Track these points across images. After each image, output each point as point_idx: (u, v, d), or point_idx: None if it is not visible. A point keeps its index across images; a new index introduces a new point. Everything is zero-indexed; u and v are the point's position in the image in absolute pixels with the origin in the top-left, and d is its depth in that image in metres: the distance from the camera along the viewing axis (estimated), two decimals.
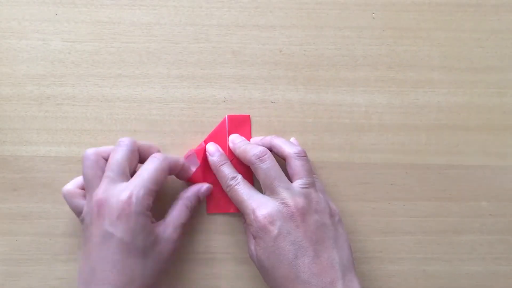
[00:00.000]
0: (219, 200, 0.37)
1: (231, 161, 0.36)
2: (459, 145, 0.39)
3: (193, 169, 0.36)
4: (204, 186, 0.36)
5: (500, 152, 0.39)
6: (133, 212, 0.31)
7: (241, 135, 0.37)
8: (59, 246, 0.37)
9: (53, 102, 0.38)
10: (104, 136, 0.38)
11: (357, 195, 0.38)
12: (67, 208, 0.37)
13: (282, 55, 0.39)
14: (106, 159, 0.33)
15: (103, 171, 0.33)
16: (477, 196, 0.39)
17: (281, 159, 0.36)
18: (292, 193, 0.32)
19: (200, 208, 0.38)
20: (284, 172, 0.34)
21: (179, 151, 0.38)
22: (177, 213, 0.34)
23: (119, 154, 0.33)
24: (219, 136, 0.37)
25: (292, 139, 0.38)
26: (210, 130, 0.38)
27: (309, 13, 0.39)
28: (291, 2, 0.39)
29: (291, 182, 0.34)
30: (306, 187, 0.33)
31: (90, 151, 0.33)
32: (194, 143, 0.38)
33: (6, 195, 0.37)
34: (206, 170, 0.37)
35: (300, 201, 0.32)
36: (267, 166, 0.33)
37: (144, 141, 0.35)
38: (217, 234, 0.38)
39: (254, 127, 0.38)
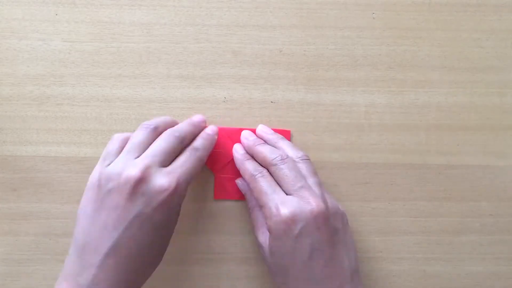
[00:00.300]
0: (227, 187, 0.37)
1: None
2: (459, 145, 0.39)
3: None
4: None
5: (500, 152, 0.39)
6: (175, 203, 0.31)
7: None
8: (59, 246, 0.37)
9: (53, 102, 0.38)
10: (104, 136, 0.38)
11: (357, 195, 0.38)
12: (67, 208, 0.37)
13: (282, 55, 0.39)
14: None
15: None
16: (477, 196, 0.39)
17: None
18: (313, 194, 0.32)
19: (200, 209, 0.38)
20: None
21: None
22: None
23: (162, 141, 0.32)
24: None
25: (261, 126, 0.38)
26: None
27: (309, 13, 0.39)
28: (291, 2, 0.39)
29: None
30: (318, 187, 0.33)
31: (118, 135, 0.34)
32: None
33: (6, 195, 0.37)
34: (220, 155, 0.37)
35: (321, 204, 0.32)
36: (288, 168, 0.33)
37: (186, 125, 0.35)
38: (217, 234, 0.38)
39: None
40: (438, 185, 0.39)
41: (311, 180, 0.34)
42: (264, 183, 0.33)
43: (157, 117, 0.35)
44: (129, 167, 0.30)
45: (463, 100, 0.39)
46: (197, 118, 0.36)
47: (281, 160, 0.34)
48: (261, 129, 0.37)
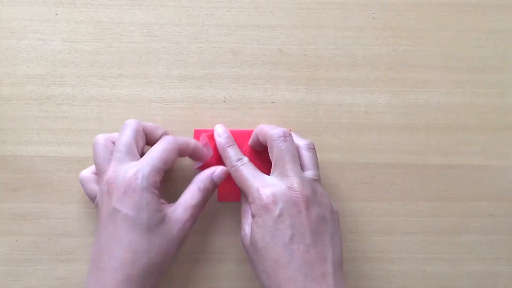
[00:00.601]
0: (231, 189, 0.37)
1: (245, 149, 0.36)
2: (459, 145, 0.39)
3: (209, 154, 0.36)
4: (218, 169, 0.35)
5: (500, 152, 0.39)
6: (139, 187, 0.31)
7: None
8: (59, 246, 0.37)
9: (53, 102, 0.38)
10: None
11: (357, 195, 0.38)
12: (67, 208, 0.37)
13: (282, 55, 0.39)
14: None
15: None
16: (477, 196, 0.39)
17: None
18: (301, 180, 0.32)
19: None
20: None
21: None
22: (189, 195, 0.34)
23: (125, 135, 0.33)
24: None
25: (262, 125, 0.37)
26: (210, 130, 0.38)
27: (309, 13, 0.39)
28: (291, 2, 0.39)
29: None
30: (314, 179, 0.33)
31: (100, 137, 0.34)
32: None
33: (6, 195, 0.37)
34: (220, 157, 0.36)
35: (307, 190, 0.32)
36: (286, 147, 0.33)
37: (150, 123, 0.35)
38: (217, 234, 0.38)
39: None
40: (438, 185, 0.39)
41: (308, 172, 0.33)
42: (245, 170, 0.33)
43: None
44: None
45: (463, 100, 0.39)
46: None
47: (282, 136, 0.33)
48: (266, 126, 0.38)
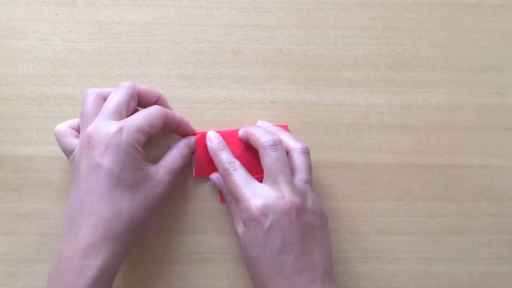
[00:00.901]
0: (207, 166, 0.37)
1: (240, 151, 0.36)
2: (459, 145, 0.39)
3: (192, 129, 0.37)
4: (193, 138, 0.37)
5: (500, 152, 0.39)
6: (123, 144, 0.31)
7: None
8: (59, 246, 0.37)
9: (53, 102, 0.38)
10: None
11: (357, 195, 0.38)
12: None
13: (282, 55, 0.39)
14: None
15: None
16: (477, 196, 0.39)
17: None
18: (292, 189, 0.32)
19: (201, 209, 0.38)
20: None
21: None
22: (170, 158, 0.35)
23: (118, 95, 0.33)
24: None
25: (260, 122, 0.38)
26: (210, 130, 0.38)
27: (309, 13, 0.39)
28: (291, 2, 0.39)
29: None
30: (304, 184, 0.33)
31: (91, 90, 0.34)
32: None
33: (6, 195, 0.37)
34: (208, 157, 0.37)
35: (298, 199, 0.32)
36: (277, 156, 0.33)
37: (145, 86, 0.35)
38: (217, 234, 0.38)
39: None
40: (438, 185, 0.39)
41: (299, 176, 0.33)
42: (237, 176, 0.33)
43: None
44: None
45: (463, 100, 0.39)
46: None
47: (273, 145, 0.33)
48: (261, 124, 0.38)
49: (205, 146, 0.36)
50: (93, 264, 0.29)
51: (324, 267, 0.32)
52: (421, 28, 0.39)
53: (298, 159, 0.34)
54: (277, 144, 0.33)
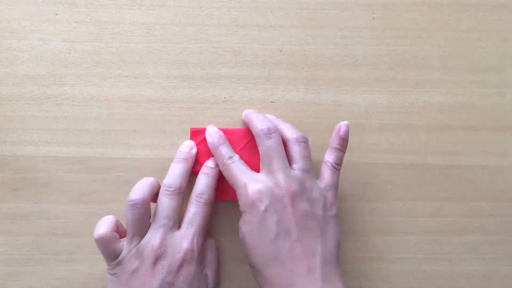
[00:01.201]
0: (227, 187, 0.36)
1: (239, 149, 0.36)
2: (459, 145, 0.39)
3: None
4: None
5: (500, 152, 0.39)
6: (195, 263, 0.32)
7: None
8: (59, 246, 0.37)
9: (53, 102, 0.38)
10: (104, 136, 0.38)
11: (357, 195, 0.38)
12: (67, 208, 0.37)
13: (282, 55, 0.39)
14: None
15: (149, 216, 0.34)
16: (477, 196, 0.39)
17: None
18: (287, 176, 0.32)
19: None
20: None
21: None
22: (213, 260, 0.36)
23: (173, 201, 0.34)
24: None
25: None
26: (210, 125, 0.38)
27: (309, 13, 0.39)
28: (291, 2, 0.39)
29: None
30: (302, 173, 0.33)
31: (139, 197, 0.33)
32: None
33: (6, 195, 0.37)
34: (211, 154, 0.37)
35: (293, 185, 0.32)
36: (271, 144, 0.33)
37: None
38: (217, 234, 0.38)
39: None
40: (438, 185, 0.39)
41: (296, 166, 0.33)
42: (234, 168, 0.34)
43: (136, 186, 0.34)
44: (147, 242, 0.33)
45: (463, 100, 0.39)
46: (184, 148, 0.36)
47: (267, 133, 0.33)
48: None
49: (202, 141, 0.37)
50: None
51: (325, 257, 0.31)
52: (421, 28, 0.39)
53: (294, 149, 0.34)
54: (271, 132, 0.34)
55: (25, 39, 0.38)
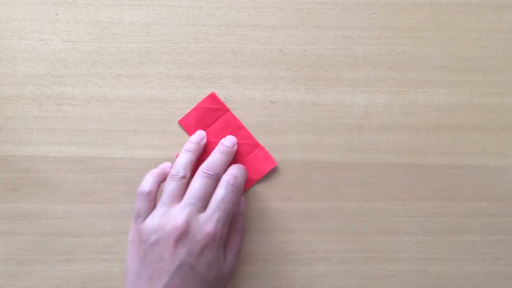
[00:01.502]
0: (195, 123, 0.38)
1: (245, 160, 0.37)
2: (459, 145, 0.39)
3: None
4: (242, 203, 0.37)
5: (500, 152, 0.39)
6: (216, 248, 0.32)
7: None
8: (59, 246, 0.37)
9: (53, 102, 0.38)
10: (104, 136, 0.38)
11: (357, 195, 0.38)
12: (67, 208, 0.37)
13: (282, 55, 0.39)
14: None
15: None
16: (477, 196, 0.39)
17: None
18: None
19: None
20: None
21: (179, 151, 0.38)
22: (233, 241, 0.35)
23: (207, 185, 0.33)
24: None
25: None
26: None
27: (309, 13, 0.39)
28: (291, 2, 0.39)
29: None
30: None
31: (185, 172, 0.34)
32: None
33: (6, 195, 0.37)
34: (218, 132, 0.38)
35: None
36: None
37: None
38: None
39: (254, 127, 0.38)
40: (438, 185, 0.39)
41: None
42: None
43: (178, 164, 0.35)
44: (171, 218, 0.32)
45: (463, 100, 0.39)
46: (228, 142, 0.37)
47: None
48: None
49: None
50: None
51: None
52: (421, 28, 0.39)
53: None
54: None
55: (25, 39, 0.38)
